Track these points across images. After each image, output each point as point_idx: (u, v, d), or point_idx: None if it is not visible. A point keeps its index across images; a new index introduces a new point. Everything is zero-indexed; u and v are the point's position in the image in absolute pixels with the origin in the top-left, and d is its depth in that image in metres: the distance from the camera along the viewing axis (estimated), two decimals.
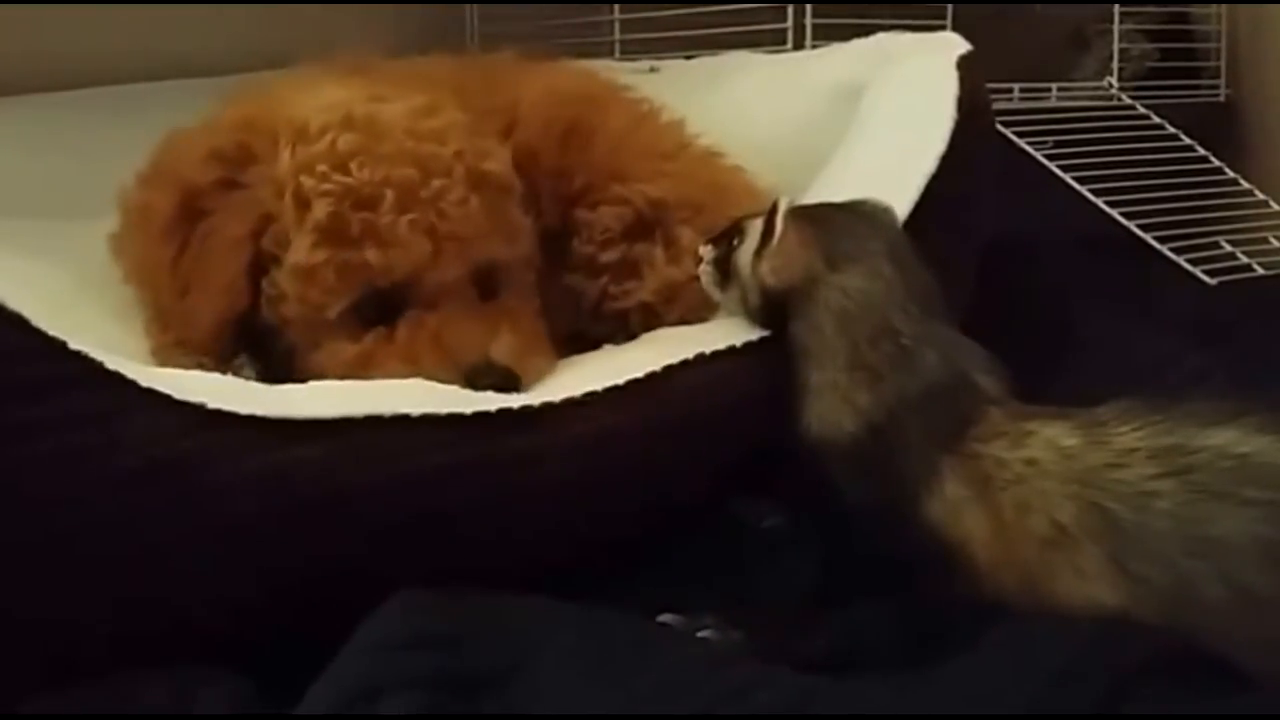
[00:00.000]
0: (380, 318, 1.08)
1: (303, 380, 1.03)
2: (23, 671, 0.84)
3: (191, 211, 1.12)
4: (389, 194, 1.05)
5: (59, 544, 0.81)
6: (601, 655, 0.81)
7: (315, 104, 1.11)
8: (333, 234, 1.05)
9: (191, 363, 1.07)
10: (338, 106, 1.10)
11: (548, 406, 0.95)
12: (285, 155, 1.08)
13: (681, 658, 0.83)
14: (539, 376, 1.07)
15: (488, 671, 0.78)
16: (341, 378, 1.03)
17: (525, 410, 0.95)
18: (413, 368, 1.03)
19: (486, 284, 1.12)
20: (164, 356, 1.12)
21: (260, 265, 1.10)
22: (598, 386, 0.98)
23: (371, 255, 1.05)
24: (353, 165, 1.06)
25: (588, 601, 0.88)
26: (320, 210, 1.05)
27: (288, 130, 1.09)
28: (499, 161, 1.14)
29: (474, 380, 1.02)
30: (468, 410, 0.92)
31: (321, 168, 1.06)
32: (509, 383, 1.03)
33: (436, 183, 1.07)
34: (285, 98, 1.15)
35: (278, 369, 1.10)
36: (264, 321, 1.11)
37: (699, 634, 0.91)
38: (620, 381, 1.00)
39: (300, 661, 0.78)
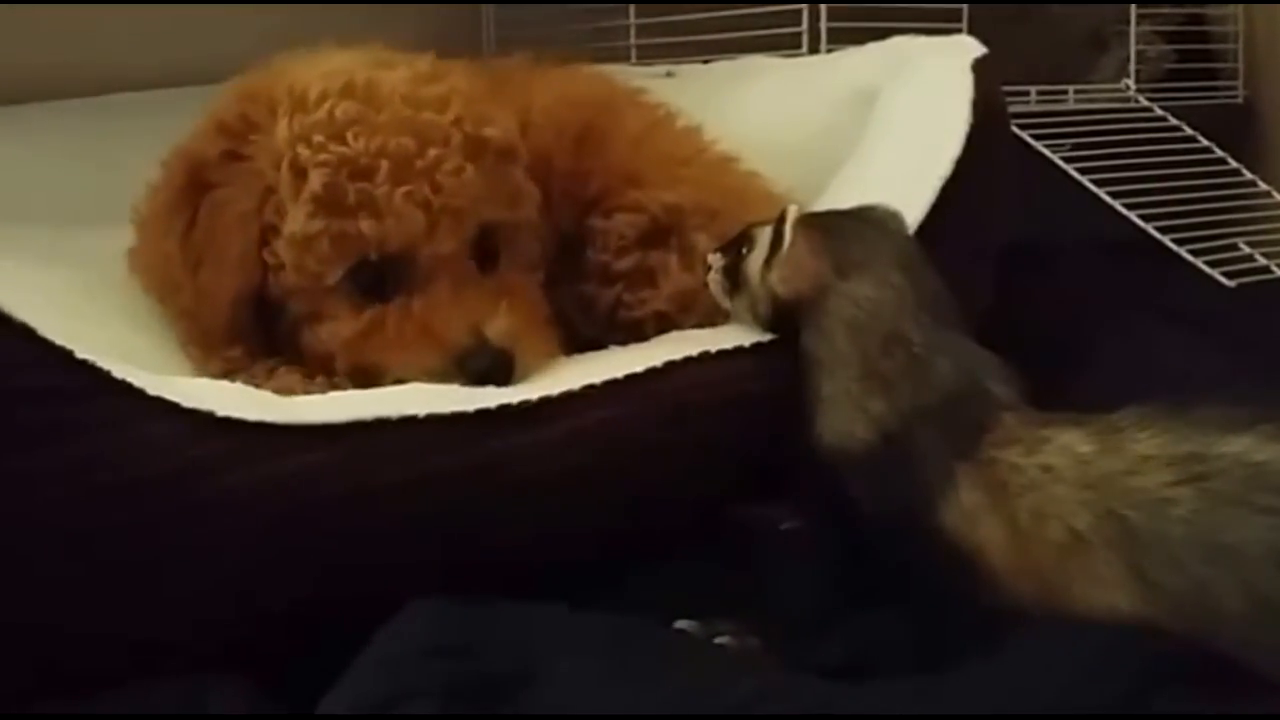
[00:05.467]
0: (376, 291, 1.08)
1: (308, 358, 1.06)
2: (33, 679, 0.84)
3: (200, 184, 1.12)
4: (384, 164, 1.05)
5: (67, 552, 0.81)
6: (618, 662, 0.81)
7: (317, 72, 1.12)
8: (328, 204, 1.06)
9: (220, 348, 1.09)
10: (339, 74, 1.10)
11: (545, 400, 0.96)
12: (283, 125, 1.08)
13: (698, 665, 0.83)
14: (535, 356, 1.07)
15: (503, 679, 0.78)
16: (343, 354, 1.07)
17: (524, 405, 0.95)
18: (407, 352, 1.05)
19: (486, 250, 1.12)
20: (196, 348, 1.13)
21: (265, 237, 1.10)
22: (596, 380, 0.99)
23: (366, 226, 1.05)
24: (349, 135, 1.06)
25: (604, 608, 0.88)
26: (316, 180, 1.05)
27: (287, 99, 1.09)
28: (500, 127, 1.14)
29: (465, 362, 1.03)
30: (470, 408, 0.93)
31: (318, 137, 1.06)
32: (502, 364, 1.03)
33: (433, 152, 1.07)
34: (287, 68, 1.16)
35: (284, 350, 1.12)
36: (271, 295, 1.11)
37: (716, 640, 0.90)
38: (619, 375, 1.00)
39: (314, 670, 0.78)
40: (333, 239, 1.06)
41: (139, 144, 1.21)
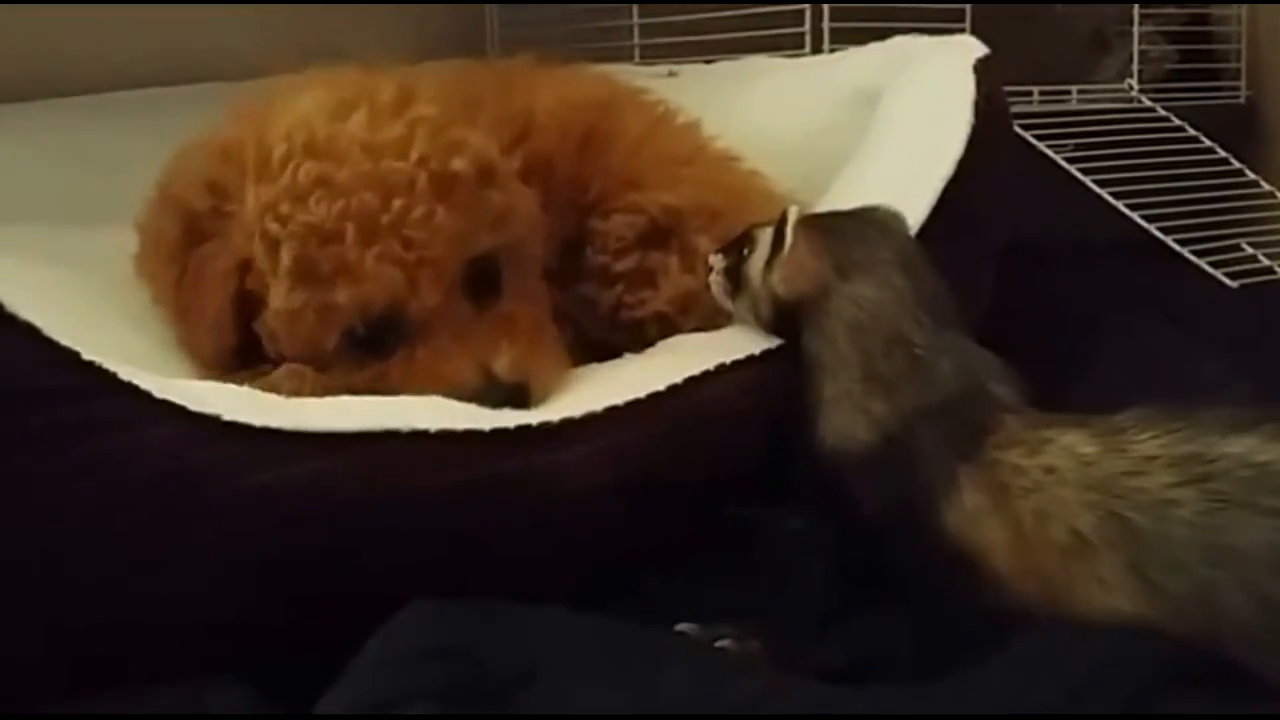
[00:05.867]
0: (375, 350, 1.06)
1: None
2: (34, 679, 0.84)
3: (193, 236, 1.12)
4: (349, 227, 1.03)
5: (71, 554, 0.81)
6: (617, 665, 0.80)
7: (282, 127, 1.09)
8: (304, 276, 1.04)
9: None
10: (301, 127, 1.08)
11: (568, 422, 0.95)
12: (251, 195, 1.06)
13: (699, 667, 0.82)
14: (549, 382, 1.05)
15: (501, 682, 0.78)
16: None
17: (545, 426, 0.94)
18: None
19: (483, 279, 1.09)
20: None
21: (248, 302, 1.09)
22: (618, 400, 0.98)
23: (343, 296, 1.03)
24: (311, 201, 1.04)
25: (604, 610, 0.88)
26: (288, 255, 1.04)
27: (253, 162, 1.08)
28: (470, 154, 1.10)
29: (483, 402, 1.00)
30: (486, 427, 0.92)
31: (284, 208, 1.04)
32: (518, 397, 1.02)
33: (397, 203, 1.04)
34: (262, 116, 1.13)
35: None
36: (268, 350, 1.10)
37: (716, 643, 0.90)
38: (641, 395, 0.99)
39: (313, 675, 0.78)
40: (316, 311, 1.05)
41: (139, 144, 1.21)
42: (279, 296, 1.05)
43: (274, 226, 1.05)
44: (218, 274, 1.09)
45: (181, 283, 1.12)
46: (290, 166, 1.05)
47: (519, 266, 1.13)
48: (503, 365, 1.04)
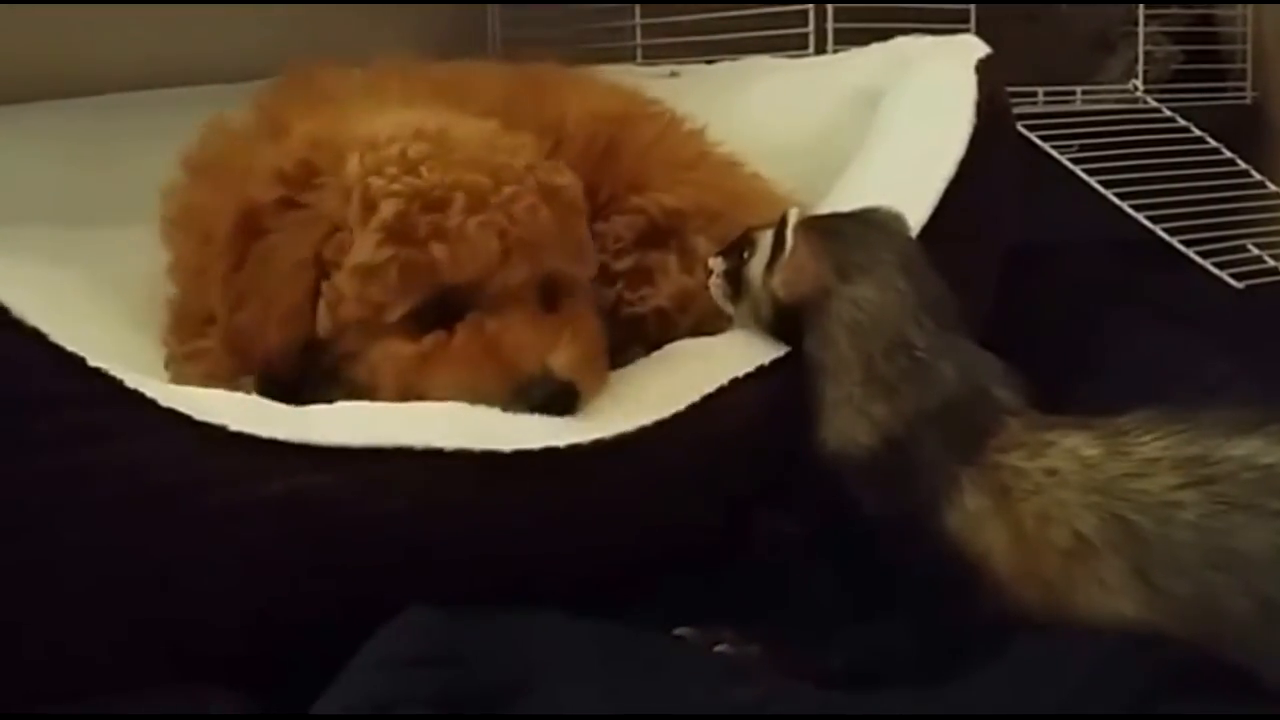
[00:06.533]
0: (440, 321, 1.05)
1: (347, 391, 1.02)
2: (37, 683, 0.83)
3: (252, 228, 1.09)
4: (459, 196, 1.03)
5: (72, 560, 0.81)
6: (615, 670, 0.80)
7: (385, 121, 1.10)
8: (399, 233, 1.03)
9: (200, 374, 1.06)
10: (408, 123, 1.09)
11: (599, 443, 0.94)
12: (353, 161, 1.06)
13: (698, 672, 0.82)
14: (594, 393, 1.04)
15: (497, 688, 0.78)
16: (395, 381, 1.03)
17: (573, 450, 0.92)
18: (468, 372, 1.01)
19: (551, 295, 1.09)
20: (176, 368, 1.11)
21: (322, 275, 1.07)
22: (646, 421, 0.97)
23: (439, 252, 1.02)
24: (423, 169, 1.04)
25: (602, 615, 0.88)
26: (387, 210, 1.03)
27: (356, 144, 1.07)
28: (569, 179, 1.13)
29: (528, 390, 0.99)
30: (506, 449, 0.91)
31: (391, 169, 1.04)
32: (566, 397, 1.01)
33: (508, 189, 1.05)
34: (353, 116, 1.13)
35: (318, 383, 1.08)
36: (321, 332, 1.08)
37: (716, 648, 0.90)
38: (666, 415, 0.99)
39: (310, 684, 0.78)
40: (401, 268, 1.03)
41: (140, 144, 1.21)
42: (364, 250, 1.03)
43: (377, 184, 1.04)
44: (293, 263, 1.07)
45: (234, 277, 1.10)
46: (399, 144, 1.06)
47: (580, 303, 1.14)
48: (560, 360, 1.03)
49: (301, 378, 1.08)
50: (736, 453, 1.02)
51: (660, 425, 0.98)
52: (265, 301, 1.08)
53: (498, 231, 1.04)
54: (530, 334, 1.04)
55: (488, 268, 1.04)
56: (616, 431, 0.95)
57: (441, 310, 1.04)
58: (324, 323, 1.07)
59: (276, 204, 1.09)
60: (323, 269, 1.06)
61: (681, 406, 1.00)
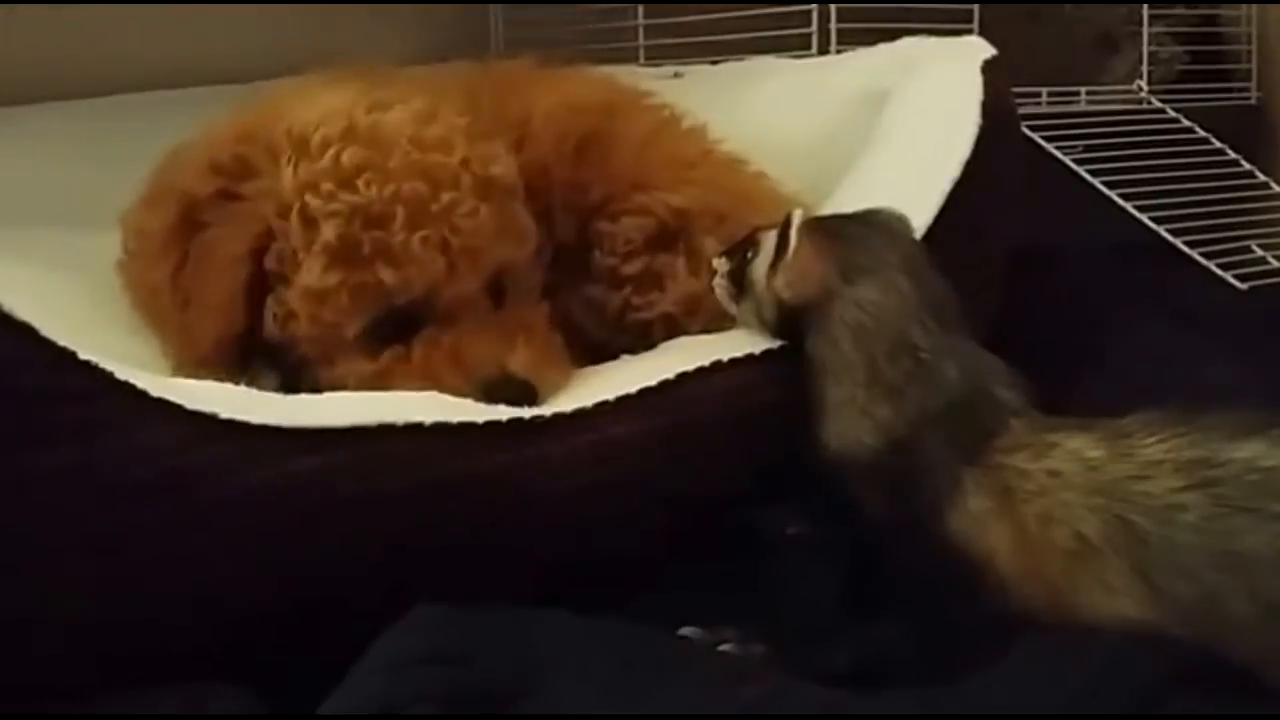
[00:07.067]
0: (396, 335, 1.06)
1: (318, 390, 1.03)
2: (34, 678, 0.83)
3: (191, 223, 1.10)
4: (400, 211, 1.04)
5: (68, 554, 0.81)
6: (620, 670, 0.80)
7: (314, 114, 1.09)
8: (344, 255, 1.04)
9: (208, 377, 1.06)
10: (337, 116, 1.08)
11: (560, 416, 0.96)
12: (288, 172, 1.06)
13: (702, 671, 0.82)
14: (555, 388, 1.06)
15: (504, 687, 0.78)
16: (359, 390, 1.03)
17: (537, 419, 0.95)
18: (431, 384, 1.02)
19: (498, 289, 1.11)
20: (185, 374, 1.11)
21: (262, 283, 1.08)
22: (610, 395, 0.99)
23: (386, 275, 1.04)
24: (360, 183, 1.04)
25: (607, 614, 0.88)
26: (329, 231, 1.03)
27: (287, 143, 1.07)
28: (503, 164, 1.13)
29: (491, 394, 1.00)
30: (480, 419, 0.93)
31: (327, 186, 1.04)
32: (526, 396, 1.02)
33: (446, 196, 1.05)
34: (283, 106, 1.13)
35: (292, 379, 1.10)
36: (270, 338, 1.10)
37: (720, 647, 0.90)
38: (633, 390, 1.00)
39: (313, 678, 0.78)
40: (351, 291, 1.04)
41: (140, 145, 1.20)
42: (312, 274, 1.04)
43: (315, 203, 1.04)
44: (229, 256, 1.08)
45: (181, 271, 1.11)
46: (333, 150, 1.06)
47: (523, 285, 1.15)
48: (517, 361, 1.05)
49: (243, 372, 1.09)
50: (714, 435, 1.02)
51: (625, 400, 0.99)
52: (203, 296, 1.09)
53: (440, 245, 1.05)
54: (485, 340, 1.06)
55: (435, 284, 1.05)
56: (576, 405, 0.97)
57: (396, 324, 1.06)
58: (272, 330, 1.09)
59: (213, 196, 1.10)
60: (262, 271, 1.08)
61: (652, 382, 1.01)
